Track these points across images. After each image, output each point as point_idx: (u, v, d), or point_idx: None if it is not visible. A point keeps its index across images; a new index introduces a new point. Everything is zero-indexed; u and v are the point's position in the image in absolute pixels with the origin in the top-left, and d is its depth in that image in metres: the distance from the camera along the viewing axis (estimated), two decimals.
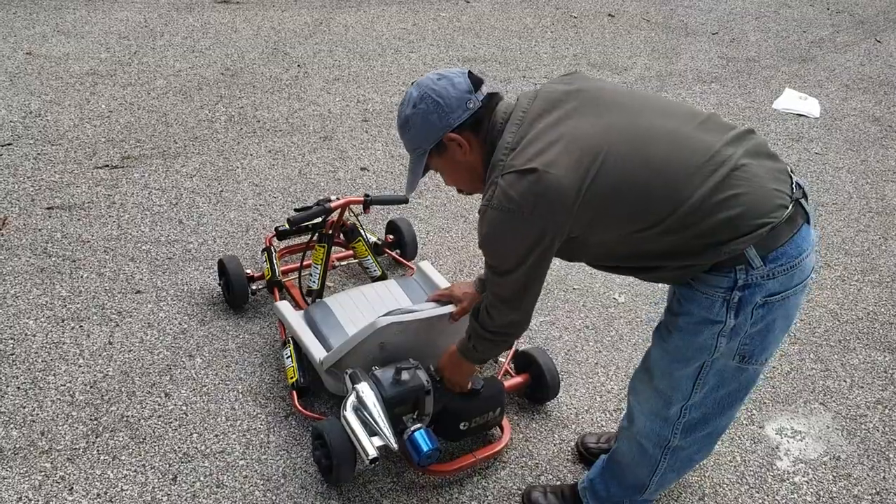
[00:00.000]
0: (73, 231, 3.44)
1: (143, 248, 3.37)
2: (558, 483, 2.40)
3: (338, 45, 5.76)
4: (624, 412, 2.15)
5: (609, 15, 6.86)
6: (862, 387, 2.91)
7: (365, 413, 2.18)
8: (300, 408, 2.52)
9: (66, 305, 3.00)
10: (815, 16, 7.24)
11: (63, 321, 2.92)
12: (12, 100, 4.55)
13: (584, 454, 2.50)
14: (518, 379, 2.65)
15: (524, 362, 2.68)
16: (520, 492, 2.38)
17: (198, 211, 3.66)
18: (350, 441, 2.20)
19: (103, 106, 4.57)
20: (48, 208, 3.60)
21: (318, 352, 2.52)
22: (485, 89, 1.81)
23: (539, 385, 2.64)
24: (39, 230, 3.43)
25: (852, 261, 3.67)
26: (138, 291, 3.11)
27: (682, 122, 1.70)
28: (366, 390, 2.20)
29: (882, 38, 6.75)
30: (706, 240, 1.63)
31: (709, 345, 1.74)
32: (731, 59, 6.12)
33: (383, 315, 2.27)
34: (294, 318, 2.69)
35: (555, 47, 6.06)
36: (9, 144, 4.10)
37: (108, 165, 3.98)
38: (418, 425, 2.21)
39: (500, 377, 2.60)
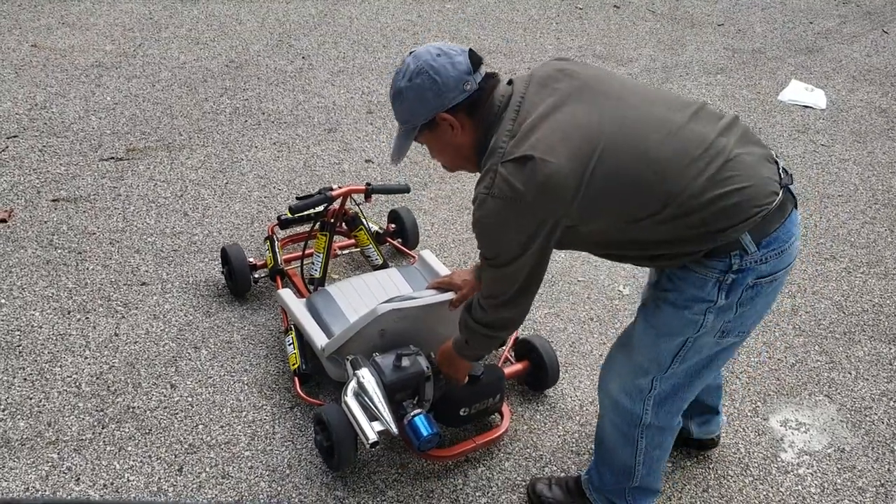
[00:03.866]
0: (79, 223, 3.45)
1: (149, 240, 3.38)
2: (563, 475, 2.40)
3: (342, 37, 5.75)
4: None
5: (614, 6, 6.83)
6: (867, 379, 2.90)
7: (365, 398, 2.20)
8: (302, 394, 2.55)
9: (72, 297, 3.02)
10: (821, 6, 7.20)
11: (69, 313, 2.94)
12: (18, 92, 4.56)
13: None
14: (518, 366, 2.68)
15: (524, 350, 2.71)
16: (524, 483, 2.39)
17: (203, 203, 3.67)
18: (351, 426, 2.22)
19: (108, 98, 4.58)
20: (54, 200, 3.61)
21: (319, 339, 2.54)
22: (483, 70, 1.78)
23: (539, 372, 2.66)
24: (45, 222, 3.44)
25: (858, 253, 3.66)
26: (144, 283, 3.12)
27: (675, 112, 1.71)
28: (366, 376, 2.22)
29: (889, 29, 6.71)
30: (702, 229, 1.66)
31: (695, 320, 1.78)
32: (737, 50, 6.09)
33: (384, 302, 2.29)
34: (296, 305, 2.71)
35: (560, 39, 6.04)
36: (14, 137, 4.11)
37: (113, 157, 3.99)
38: (418, 410, 2.23)
39: (500, 364, 2.62)
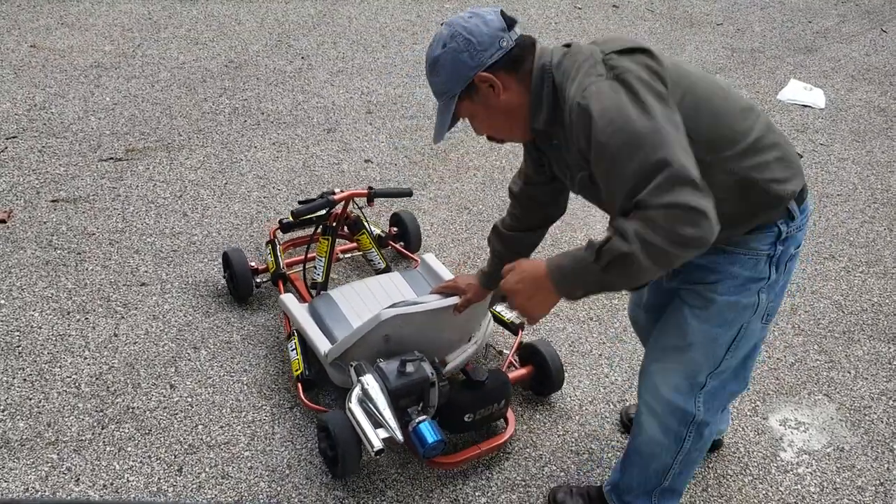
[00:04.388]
0: (78, 224, 3.45)
1: (148, 240, 3.38)
2: (583, 484, 2.39)
3: (341, 37, 5.75)
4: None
5: (613, 6, 6.83)
6: (866, 378, 2.90)
7: (370, 405, 2.18)
8: (305, 400, 2.52)
9: (71, 298, 3.02)
10: (820, 6, 7.20)
11: (68, 313, 2.94)
12: (17, 92, 4.56)
13: (629, 424, 2.52)
14: (522, 371, 2.65)
15: (528, 354, 2.68)
16: (523, 482, 2.39)
17: (202, 203, 3.67)
18: (355, 433, 2.21)
19: (108, 98, 4.58)
20: (53, 201, 3.61)
21: (322, 344, 2.52)
22: (518, 30, 1.71)
23: (543, 377, 2.64)
24: (44, 223, 3.44)
25: (857, 252, 3.66)
26: (143, 284, 3.12)
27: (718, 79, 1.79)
28: (371, 382, 2.20)
29: (888, 28, 6.71)
30: (766, 173, 1.66)
31: (752, 303, 1.79)
32: (736, 49, 6.09)
33: (388, 307, 2.27)
34: (299, 310, 2.69)
35: (559, 39, 6.04)
36: (14, 137, 4.11)
37: (112, 158, 3.99)
38: (423, 417, 2.20)
39: (504, 369, 2.61)
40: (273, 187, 3.83)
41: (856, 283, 3.44)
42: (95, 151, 4.03)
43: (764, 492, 2.42)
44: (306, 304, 2.78)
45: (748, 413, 2.71)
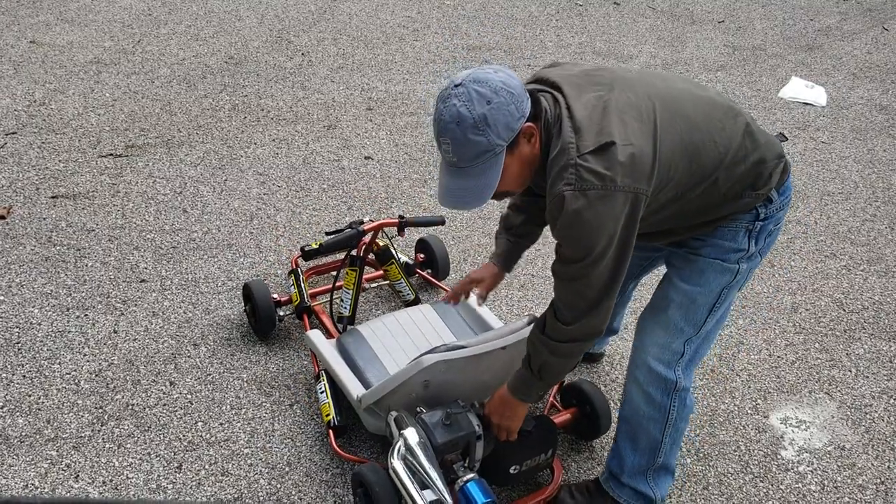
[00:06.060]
0: (78, 220, 3.45)
1: (148, 236, 3.37)
2: (582, 480, 2.38)
3: (342, 33, 5.74)
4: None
5: (615, 3, 6.82)
6: (867, 376, 2.90)
7: (414, 462, 2.01)
8: (338, 450, 2.36)
9: (70, 294, 3.01)
10: (822, 4, 7.19)
11: (68, 310, 2.93)
12: (16, 88, 4.55)
13: None
14: (566, 414, 2.47)
15: (571, 396, 2.51)
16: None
17: (202, 200, 3.66)
18: (396, 490, 2.03)
19: (107, 94, 4.57)
20: (52, 197, 3.60)
21: (355, 388, 2.34)
22: None
23: (589, 421, 2.46)
24: (44, 219, 3.44)
25: (858, 250, 3.65)
26: (143, 280, 3.11)
27: (687, 83, 1.89)
28: (414, 437, 2.03)
29: (890, 26, 6.70)
30: (743, 185, 1.82)
31: (732, 269, 1.92)
32: (738, 47, 6.08)
33: (428, 352, 2.13)
34: (327, 349, 2.52)
35: (560, 35, 6.03)
36: (13, 133, 4.10)
37: (112, 154, 3.98)
38: (471, 475, 2.03)
39: (546, 412, 2.47)
40: (273, 184, 3.82)
41: (857, 282, 3.43)
42: (95, 147, 4.02)
43: (765, 490, 2.42)
44: (333, 339, 2.63)
45: (749, 411, 2.71)
